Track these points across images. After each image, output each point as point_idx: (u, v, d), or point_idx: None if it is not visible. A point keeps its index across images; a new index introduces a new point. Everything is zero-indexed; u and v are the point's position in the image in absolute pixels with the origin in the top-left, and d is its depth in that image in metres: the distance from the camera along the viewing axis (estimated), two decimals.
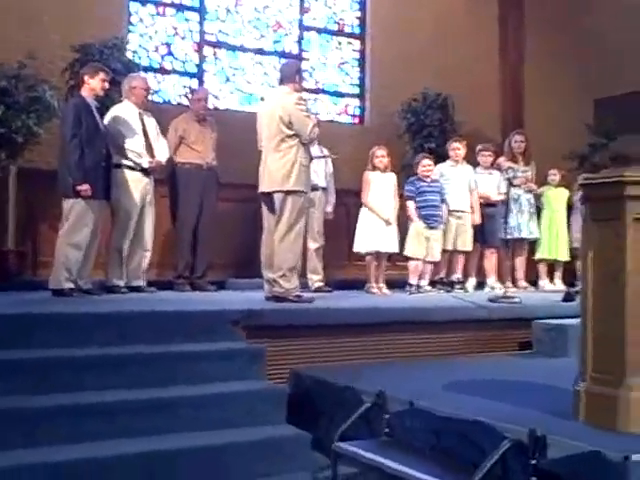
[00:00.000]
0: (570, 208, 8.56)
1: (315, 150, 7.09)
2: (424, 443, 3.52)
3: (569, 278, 8.42)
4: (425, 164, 7.26)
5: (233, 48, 10.08)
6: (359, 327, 4.96)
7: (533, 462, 2.96)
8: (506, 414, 3.37)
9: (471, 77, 10.75)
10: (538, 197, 8.35)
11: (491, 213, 7.83)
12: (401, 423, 3.68)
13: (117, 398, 3.83)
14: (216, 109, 9.41)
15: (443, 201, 7.31)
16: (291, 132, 5.53)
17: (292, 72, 5.88)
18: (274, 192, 5.54)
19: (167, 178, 7.05)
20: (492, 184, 7.88)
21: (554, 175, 8.56)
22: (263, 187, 5.66)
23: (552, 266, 8.49)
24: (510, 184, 7.02)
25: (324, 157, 7.27)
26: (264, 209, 5.73)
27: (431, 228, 7.13)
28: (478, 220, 7.70)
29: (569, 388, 3.65)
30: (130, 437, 3.68)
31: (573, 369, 4.47)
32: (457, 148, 7.74)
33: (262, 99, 9.87)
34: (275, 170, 5.52)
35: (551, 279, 8.43)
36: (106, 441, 3.62)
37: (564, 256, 8.33)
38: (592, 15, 10.67)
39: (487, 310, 5.60)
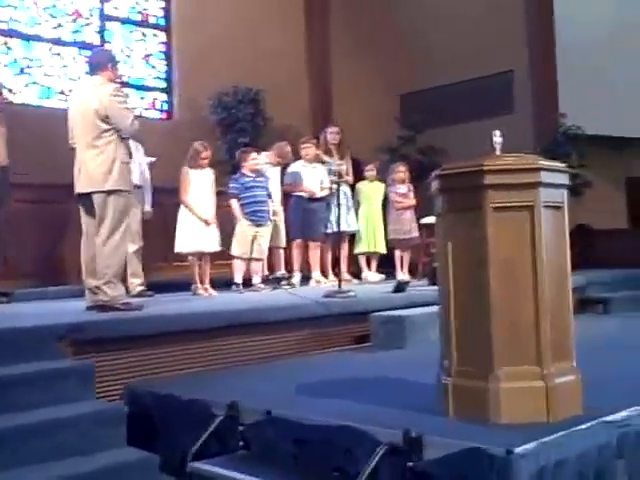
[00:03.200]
0: (385, 200, 8.69)
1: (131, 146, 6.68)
2: (285, 454, 3.29)
3: (385, 269, 8.58)
4: (254, 157, 7.05)
5: (27, 37, 9.28)
6: (196, 333, 4.62)
7: (410, 465, 2.82)
8: (371, 415, 3.22)
9: (279, 71, 10.72)
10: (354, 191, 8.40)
11: (314, 207, 7.70)
12: (258, 434, 3.41)
13: None
14: (10, 103, 8.60)
15: (269, 196, 7.12)
16: (108, 127, 5.02)
17: (104, 60, 5.34)
18: (93, 193, 5.04)
19: None
20: (316, 178, 7.76)
21: (371, 170, 8.63)
22: (80, 187, 5.12)
23: (369, 258, 8.58)
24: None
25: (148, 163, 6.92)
26: (82, 212, 5.19)
27: (258, 225, 6.93)
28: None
29: (422, 381, 3.62)
30: None
31: (415, 361, 4.54)
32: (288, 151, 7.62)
33: (62, 92, 9.31)
34: (93, 169, 5.01)
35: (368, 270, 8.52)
36: None
37: (382, 249, 8.43)
38: (397, 11, 10.95)
39: (324, 306, 5.47)
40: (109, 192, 5.00)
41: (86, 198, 5.11)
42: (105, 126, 5.02)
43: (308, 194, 7.68)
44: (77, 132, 5.16)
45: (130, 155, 5.38)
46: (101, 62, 5.31)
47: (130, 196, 5.30)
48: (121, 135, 5.11)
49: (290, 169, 7.83)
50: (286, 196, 7.83)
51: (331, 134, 8.23)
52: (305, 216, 7.65)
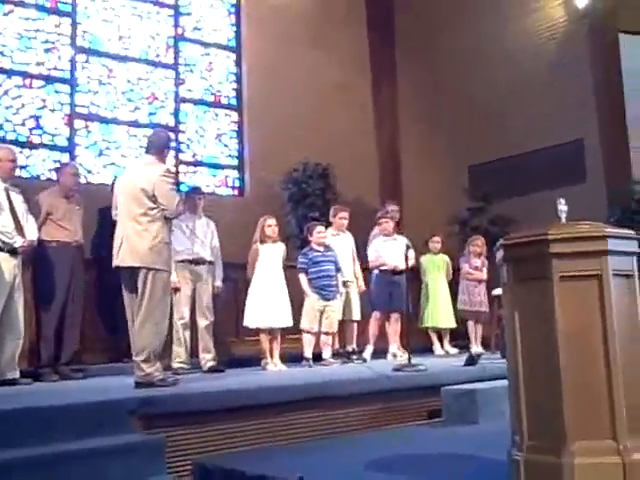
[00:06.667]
0: (454, 272, 8.62)
1: (202, 223, 6.85)
2: None
3: (460, 341, 8.44)
4: (320, 231, 7.09)
5: (106, 121, 9.72)
6: (265, 408, 4.61)
7: None
8: None
9: (349, 146, 10.88)
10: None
11: (398, 280, 7.50)
12: None
13: None
14: (89, 184, 8.98)
15: (338, 270, 7.13)
16: (154, 205, 5.10)
17: (160, 143, 5.45)
18: (135, 267, 5.08)
19: (30, 258, 6.34)
20: (399, 250, 7.39)
21: (437, 242, 8.57)
22: (121, 261, 5.16)
23: (439, 333, 8.45)
24: None
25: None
26: (123, 287, 5.23)
27: (327, 299, 6.93)
28: (364, 287, 7.63)
29: (496, 457, 3.50)
30: None
31: (489, 436, 4.40)
32: (344, 217, 7.64)
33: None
34: (136, 244, 5.08)
35: (441, 345, 8.38)
36: None
37: (449, 323, 8.32)
38: (464, 83, 11.04)
39: (393, 380, 5.39)
40: (151, 269, 5.05)
41: (127, 272, 5.17)
42: (152, 204, 5.11)
43: (390, 268, 7.64)
44: (121, 206, 5.26)
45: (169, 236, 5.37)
46: (158, 144, 5.44)
47: (169, 275, 5.33)
48: (166, 215, 5.18)
49: (372, 245, 7.86)
50: (366, 269, 7.85)
51: (392, 211, 8.29)
52: (390, 289, 7.58)
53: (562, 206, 3.20)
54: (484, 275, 8.31)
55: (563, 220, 3.18)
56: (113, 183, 7.09)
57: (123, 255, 5.15)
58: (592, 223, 3.14)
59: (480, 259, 8.35)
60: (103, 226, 7.00)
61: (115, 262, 5.22)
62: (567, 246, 2.96)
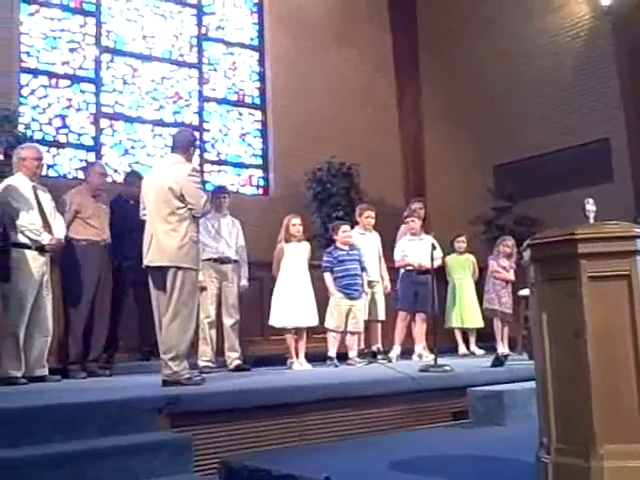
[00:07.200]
0: (480, 272, 8.57)
1: (227, 222, 6.88)
2: None
3: (487, 342, 8.38)
4: (345, 230, 7.09)
5: (131, 120, 9.79)
6: (291, 407, 4.61)
7: None
8: None
9: (373, 146, 10.88)
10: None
11: (424, 280, 7.40)
12: None
13: None
14: (114, 183, 9.04)
15: (363, 269, 7.12)
16: (182, 204, 5.13)
17: (186, 141, 5.47)
18: (164, 267, 5.11)
19: (59, 256, 6.40)
20: (425, 250, 7.13)
21: (462, 242, 8.52)
22: (150, 260, 5.20)
23: (465, 333, 8.40)
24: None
25: None
26: (152, 286, 5.26)
27: (352, 299, 6.92)
28: (389, 288, 7.61)
29: (522, 459, 3.48)
30: None
31: (515, 438, 4.38)
32: (371, 216, 7.61)
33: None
34: (165, 242, 5.11)
35: (467, 346, 8.33)
36: None
37: (476, 323, 8.26)
38: (489, 82, 10.98)
39: (418, 381, 5.36)
40: (179, 268, 5.07)
41: (156, 271, 5.19)
42: (179, 204, 5.12)
43: (415, 267, 7.61)
44: (150, 205, 5.28)
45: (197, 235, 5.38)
46: (183, 142, 5.46)
47: (197, 274, 5.35)
48: (194, 214, 5.21)
49: (398, 245, 7.84)
50: (392, 268, 7.83)
51: (417, 210, 8.25)
52: (416, 289, 7.55)
53: (590, 206, 3.18)
54: (511, 276, 8.21)
55: (591, 220, 3.16)
56: (126, 179, 7.27)
57: (152, 255, 5.18)
58: (621, 223, 3.11)
59: (509, 260, 8.24)
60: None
61: (144, 262, 5.26)
62: (595, 246, 2.93)
